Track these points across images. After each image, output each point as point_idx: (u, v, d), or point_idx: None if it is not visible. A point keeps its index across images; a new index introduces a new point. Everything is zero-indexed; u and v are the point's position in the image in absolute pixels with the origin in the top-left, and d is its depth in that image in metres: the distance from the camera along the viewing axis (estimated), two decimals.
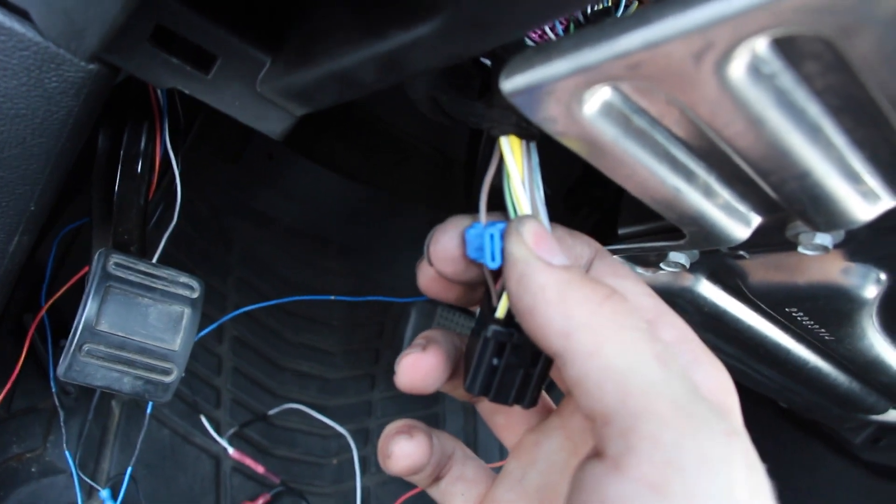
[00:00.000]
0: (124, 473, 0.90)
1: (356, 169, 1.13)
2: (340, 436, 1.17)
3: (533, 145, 0.31)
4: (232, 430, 1.08)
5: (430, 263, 0.32)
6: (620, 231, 0.46)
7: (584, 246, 0.32)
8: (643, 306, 0.30)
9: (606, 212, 0.56)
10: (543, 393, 0.35)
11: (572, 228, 0.33)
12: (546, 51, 0.24)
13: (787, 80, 0.23)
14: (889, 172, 0.28)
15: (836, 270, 0.43)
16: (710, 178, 0.30)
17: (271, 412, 1.14)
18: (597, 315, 0.25)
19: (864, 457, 0.97)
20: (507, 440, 0.37)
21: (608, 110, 0.26)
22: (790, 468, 1.05)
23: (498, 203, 0.31)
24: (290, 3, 0.40)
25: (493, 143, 0.30)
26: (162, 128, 0.54)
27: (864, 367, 0.56)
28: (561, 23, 0.40)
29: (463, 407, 1.28)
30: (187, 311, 0.51)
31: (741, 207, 0.32)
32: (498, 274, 0.30)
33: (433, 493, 0.36)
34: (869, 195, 0.29)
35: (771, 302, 0.49)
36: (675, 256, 0.43)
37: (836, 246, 0.35)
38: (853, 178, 0.27)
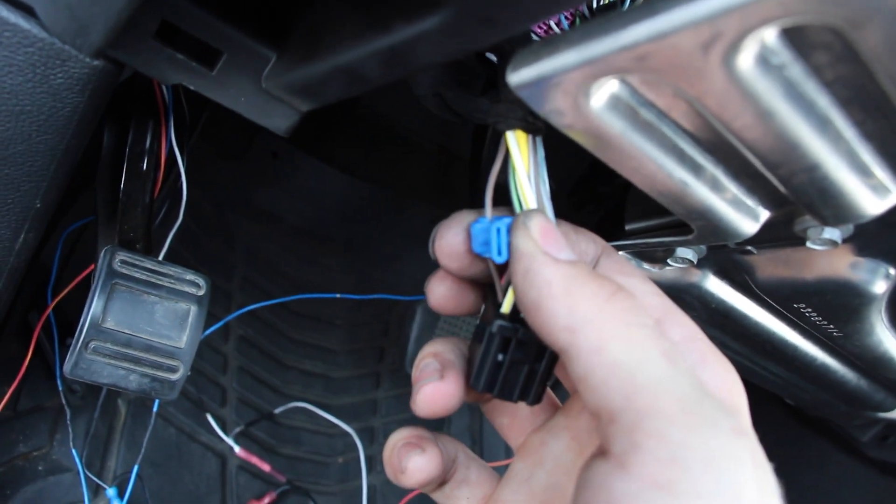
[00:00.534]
0: (130, 472, 0.90)
1: (358, 165, 1.13)
2: (346, 434, 1.17)
3: (539, 140, 0.30)
4: (238, 429, 1.09)
5: (436, 259, 0.31)
6: (627, 226, 0.46)
7: (588, 242, 0.32)
8: (650, 304, 0.30)
9: (610, 209, 0.56)
10: (549, 391, 0.35)
11: (576, 225, 0.32)
12: (553, 43, 0.24)
13: (796, 71, 0.23)
14: None
15: (844, 265, 0.42)
16: (717, 171, 0.30)
17: (277, 411, 1.14)
18: (603, 311, 0.25)
19: (871, 454, 0.97)
20: (512, 441, 0.37)
21: (615, 103, 0.25)
22: (797, 466, 1.05)
23: (502, 199, 0.30)
24: None
25: (499, 139, 0.30)
26: (167, 125, 0.54)
27: (872, 364, 0.55)
28: (567, 18, 0.40)
29: (468, 406, 1.28)
30: (193, 308, 0.51)
31: (749, 201, 0.32)
32: (503, 269, 0.30)
33: (437, 497, 0.36)
34: (878, 188, 0.28)
35: (779, 297, 0.49)
36: (682, 252, 0.43)
37: (845, 240, 0.35)
38: (863, 170, 0.27)
